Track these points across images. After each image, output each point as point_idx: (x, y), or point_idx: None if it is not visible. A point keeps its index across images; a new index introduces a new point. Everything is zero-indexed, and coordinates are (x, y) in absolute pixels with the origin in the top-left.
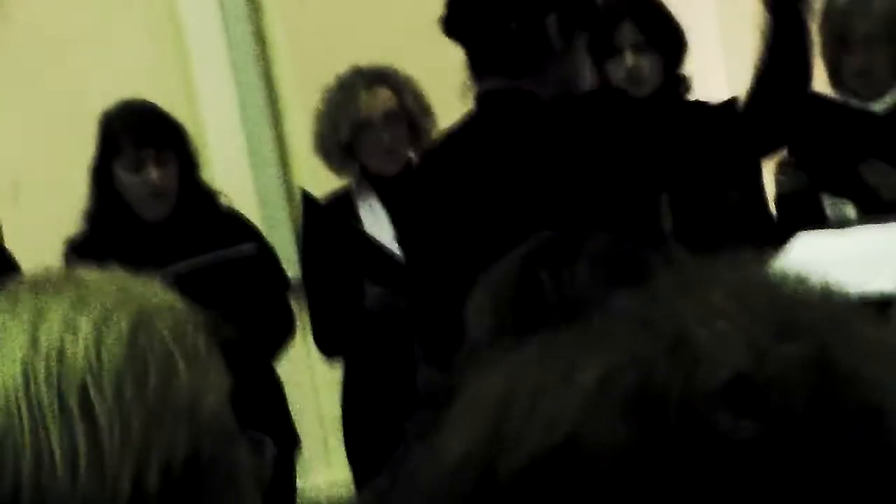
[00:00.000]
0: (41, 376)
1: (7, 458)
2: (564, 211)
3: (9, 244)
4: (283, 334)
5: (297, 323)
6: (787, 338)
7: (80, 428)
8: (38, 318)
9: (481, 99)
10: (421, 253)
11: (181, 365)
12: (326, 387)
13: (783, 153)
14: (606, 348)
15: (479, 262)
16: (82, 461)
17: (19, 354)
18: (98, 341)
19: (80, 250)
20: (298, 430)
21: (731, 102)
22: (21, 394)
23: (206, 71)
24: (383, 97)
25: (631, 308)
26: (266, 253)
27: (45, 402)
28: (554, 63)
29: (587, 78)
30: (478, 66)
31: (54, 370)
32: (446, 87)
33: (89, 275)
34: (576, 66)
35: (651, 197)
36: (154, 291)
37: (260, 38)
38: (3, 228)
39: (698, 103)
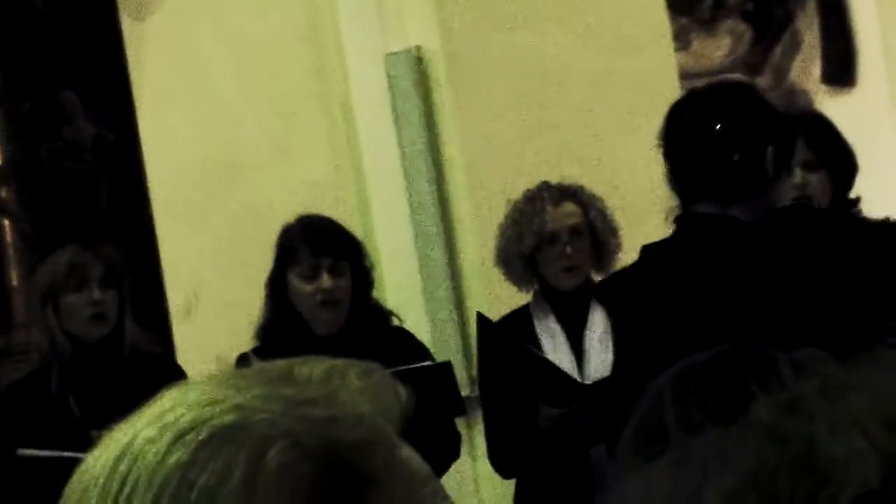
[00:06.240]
0: (122, 467)
1: None
2: (770, 328)
3: (180, 360)
4: (450, 455)
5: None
6: None
7: None
8: (168, 411)
9: (685, 221)
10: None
11: (232, 484)
12: None
13: None
14: (734, 465)
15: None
16: None
17: (124, 442)
18: (168, 449)
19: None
20: None
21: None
22: (101, 482)
23: (380, 192)
24: (570, 212)
25: (766, 418)
26: (446, 371)
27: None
28: (765, 191)
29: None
30: (689, 189)
31: (133, 468)
32: (627, 202)
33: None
34: (783, 192)
35: (866, 314)
36: (302, 410)
37: (434, 158)
38: (175, 343)
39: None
